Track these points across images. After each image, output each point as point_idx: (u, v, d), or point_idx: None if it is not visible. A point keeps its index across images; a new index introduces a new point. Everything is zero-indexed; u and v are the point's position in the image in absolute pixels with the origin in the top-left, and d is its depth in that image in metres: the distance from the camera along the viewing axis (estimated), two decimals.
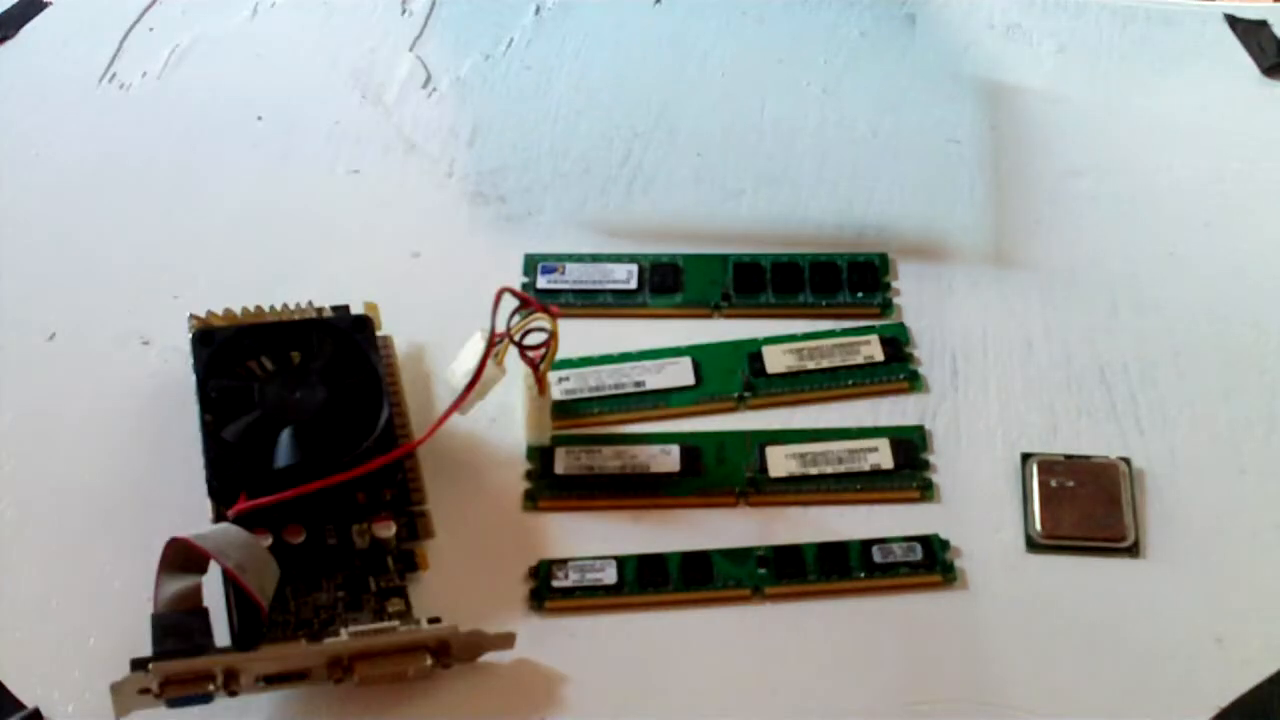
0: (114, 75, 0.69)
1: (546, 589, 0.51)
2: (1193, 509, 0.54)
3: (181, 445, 0.53)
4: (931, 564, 0.52)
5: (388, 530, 0.51)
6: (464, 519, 0.53)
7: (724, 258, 0.61)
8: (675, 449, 0.55)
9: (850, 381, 0.57)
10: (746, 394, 0.57)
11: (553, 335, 0.52)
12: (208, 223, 0.62)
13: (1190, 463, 0.55)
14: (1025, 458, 0.55)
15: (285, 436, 0.51)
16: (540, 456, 0.55)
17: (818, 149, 0.65)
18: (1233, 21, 0.72)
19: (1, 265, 0.61)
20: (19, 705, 0.48)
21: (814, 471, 0.54)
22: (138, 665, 0.45)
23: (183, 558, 0.48)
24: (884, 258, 0.61)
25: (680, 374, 0.57)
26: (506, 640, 0.49)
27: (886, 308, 0.59)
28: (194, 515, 0.51)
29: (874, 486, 0.54)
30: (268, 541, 0.50)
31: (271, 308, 0.55)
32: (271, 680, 0.47)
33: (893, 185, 0.64)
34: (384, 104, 0.68)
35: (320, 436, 0.51)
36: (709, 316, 0.59)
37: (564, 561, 0.52)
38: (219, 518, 0.50)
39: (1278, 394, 0.57)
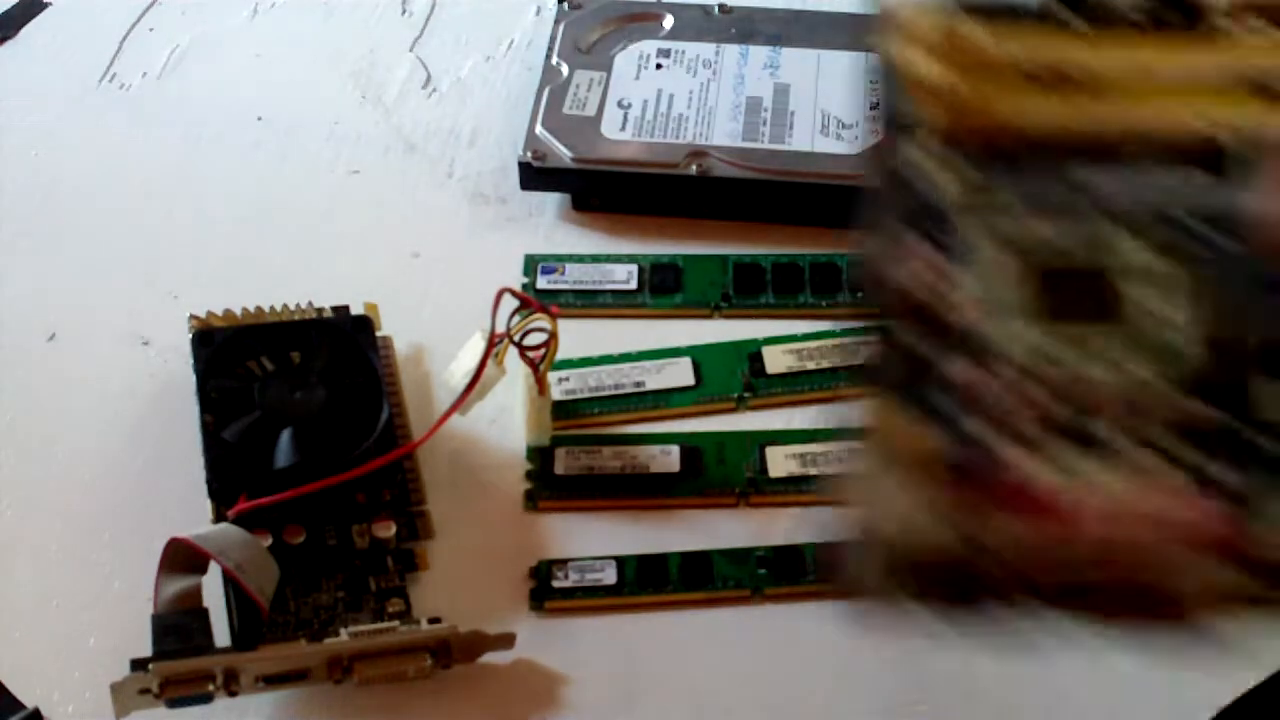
0: (114, 75, 0.69)
1: (546, 589, 0.51)
2: None
3: (181, 445, 0.53)
4: None
5: (388, 530, 0.51)
6: (464, 519, 0.53)
7: (724, 258, 0.61)
8: (675, 449, 0.55)
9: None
10: (746, 394, 0.57)
11: (553, 335, 0.52)
12: (208, 223, 0.62)
13: None
14: None
15: (285, 437, 0.51)
16: (540, 456, 0.55)
17: None
18: None
19: (1, 265, 0.61)
20: (19, 705, 0.48)
21: (814, 471, 0.54)
22: (138, 665, 0.45)
23: (183, 558, 0.48)
24: None
25: (680, 374, 0.57)
26: (506, 640, 0.49)
27: None
28: (194, 515, 0.51)
29: None
30: (268, 542, 0.50)
31: (271, 308, 0.55)
32: (271, 680, 0.47)
33: None
34: (384, 104, 0.68)
35: (320, 437, 0.51)
36: (709, 317, 0.59)
37: (564, 562, 0.52)
38: (219, 518, 0.50)
39: None
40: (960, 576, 0.38)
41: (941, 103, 0.46)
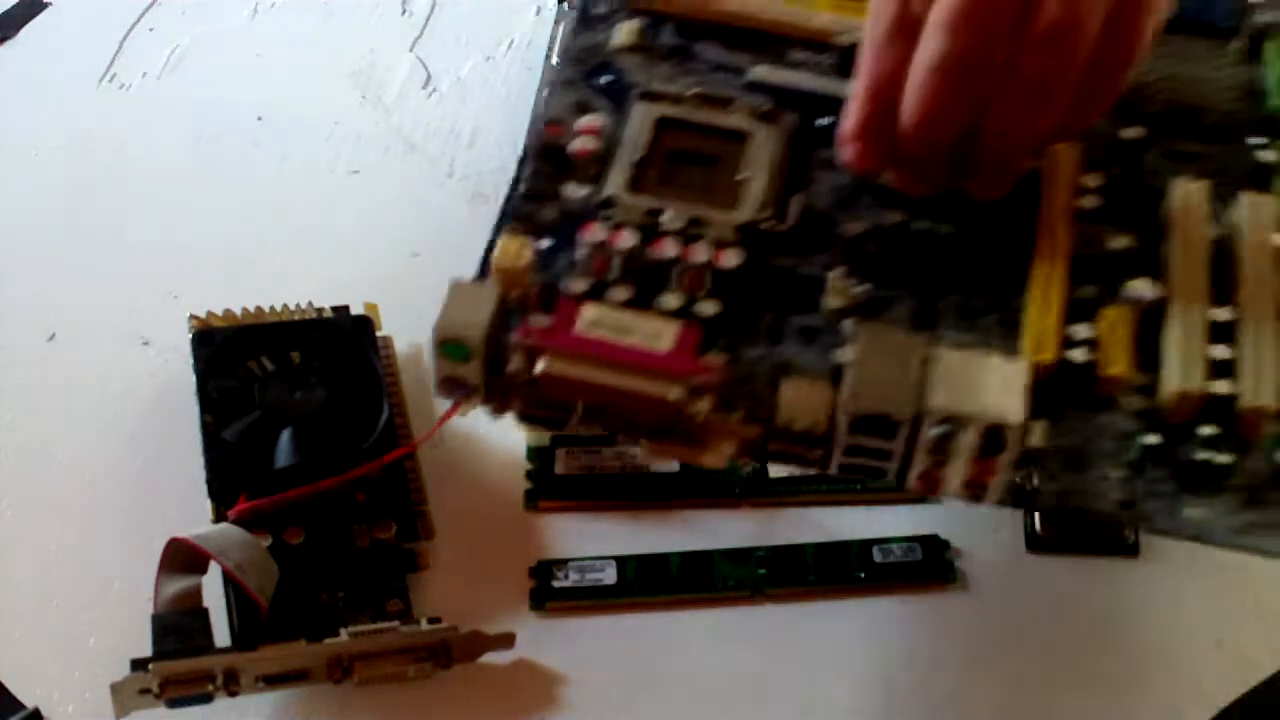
0: (114, 75, 0.69)
1: (546, 589, 0.51)
2: None
3: (181, 445, 0.53)
4: (932, 564, 0.52)
5: (388, 530, 0.51)
6: (464, 519, 0.53)
7: None
8: None
9: None
10: None
11: None
12: (208, 223, 0.62)
13: None
14: None
15: (285, 437, 0.51)
16: (540, 456, 0.55)
17: None
18: None
19: (1, 265, 0.61)
20: (19, 705, 0.48)
21: (814, 471, 0.54)
22: (138, 665, 0.45)
23: (183, 558, 0.48)
24: None
25: None
26: (506, 640, 0.49)
27: None
28: (194, 515, 0.51)
29: (874, 486, 0.54)
30: (268, 542, 0.50)
31: (271, 308, 0.55)
32: (271, 680, 0.47)
33: None
34: (384, 104, 0.68)
35: (320, 437, 0.51)
36: None
37: (564, 562, 0.52)
38: (219, 518, 0.50)
39: None
40: (500, 375, 0.44)
41: None
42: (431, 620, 0.48)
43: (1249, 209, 0.50)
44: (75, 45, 0.70)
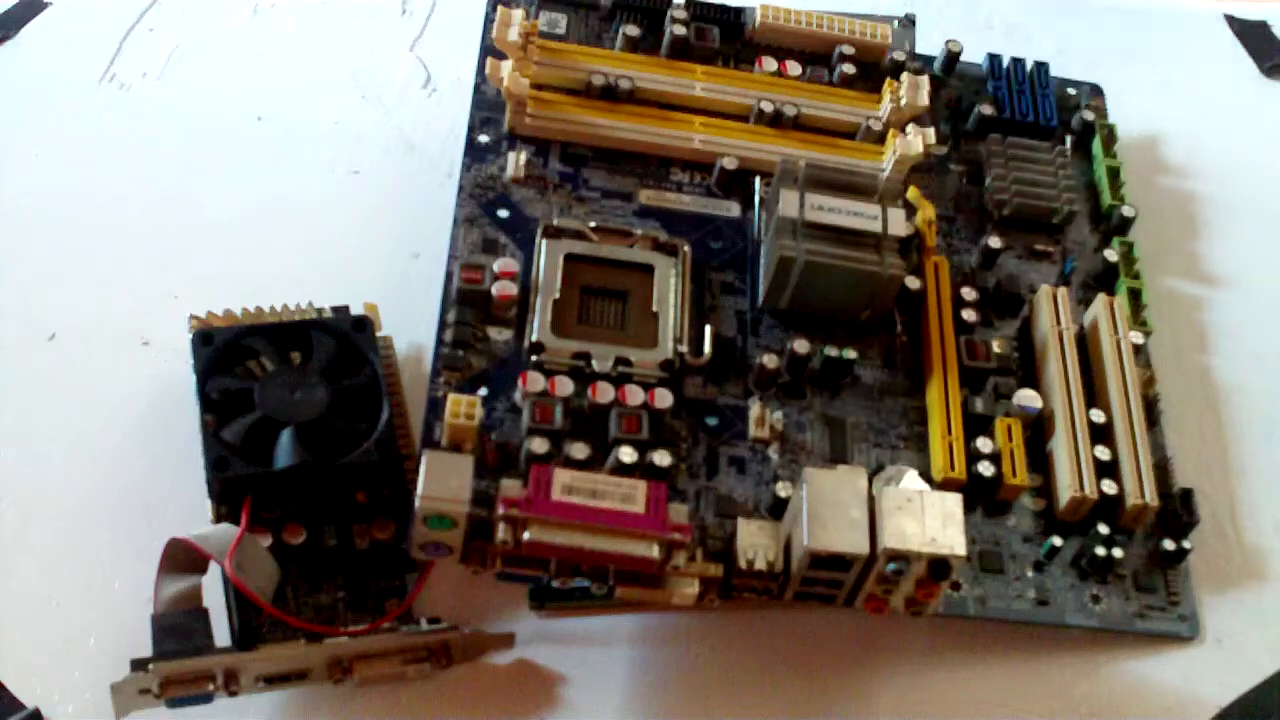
0: (114, 75, 0.69)
1: (547, 589, 0.51)
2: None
3: (181, 445, 0.53)
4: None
5: (387, 530, 0.51)
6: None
7: None
8: None
9: None
10: None
11: None
12: (208, 223, 0.62)
13: (1190, 463, 0.55)
14: None
15: (285, 437, 0.51)
16: None
17: None
18: (1232, 21, 0.72)
19: (1, 265, 0.61)
20: (19, 705, 0.48)
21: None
22: (138, 665, 0.46)
23: (183, 558, 0.48)
24: None
25: None
26: (506, 640, 0.49)
27: None
28: (194, 515, 0.51)
29: None
30: (268, 542, 0.50)
31: (271, 308, 0.55)
32: (271, 680, 0.47)
33: None
34: (384, 104, 0.68)
35: (320, 437, 0.51)
36: None
37: None
38: (219, 518, 0.50)
39: (1276, 396, 0.57)
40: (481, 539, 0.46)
41: (520, 109, 0.57)
42: (431, 620, 0.48)
43: (1102, 310, 0.54)
44: (75, 45, 0.70)
